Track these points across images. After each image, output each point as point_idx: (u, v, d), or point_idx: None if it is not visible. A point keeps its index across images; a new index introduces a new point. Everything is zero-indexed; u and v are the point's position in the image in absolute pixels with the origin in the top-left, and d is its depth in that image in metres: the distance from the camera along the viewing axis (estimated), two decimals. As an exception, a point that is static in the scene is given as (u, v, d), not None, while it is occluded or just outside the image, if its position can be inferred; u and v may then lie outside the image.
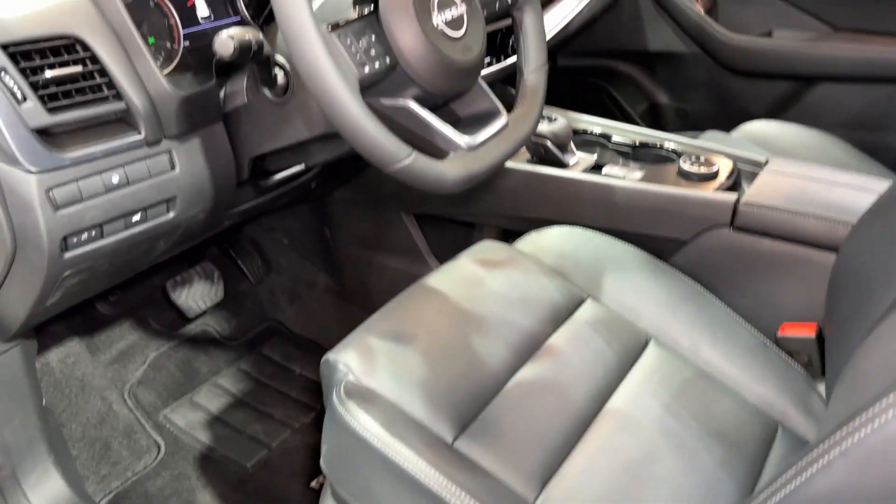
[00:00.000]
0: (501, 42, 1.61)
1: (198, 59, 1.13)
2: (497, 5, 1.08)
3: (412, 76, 0.93)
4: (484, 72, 1.40)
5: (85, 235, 0.95)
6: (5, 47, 0.85)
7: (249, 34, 0.92)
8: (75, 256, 0.96)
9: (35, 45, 0.87)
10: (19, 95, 0.85)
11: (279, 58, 1.00)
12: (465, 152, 0.96)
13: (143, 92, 0.95)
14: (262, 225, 1.84)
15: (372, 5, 0.92)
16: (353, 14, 0.92)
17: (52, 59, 0.89)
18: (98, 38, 0.91)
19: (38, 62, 0.88)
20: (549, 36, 1.87)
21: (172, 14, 1.12)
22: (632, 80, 2.30)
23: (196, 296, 1.67)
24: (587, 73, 2.34)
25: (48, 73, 0.88)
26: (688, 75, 2.21)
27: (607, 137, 1.53)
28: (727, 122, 2.13)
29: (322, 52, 0.80)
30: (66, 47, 0.90)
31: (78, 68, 0.91)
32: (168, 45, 1.12)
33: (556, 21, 1.90)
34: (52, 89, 0.89)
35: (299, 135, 1.03)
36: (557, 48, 2.18)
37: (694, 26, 2.10)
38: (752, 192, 1.25)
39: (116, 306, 1.69)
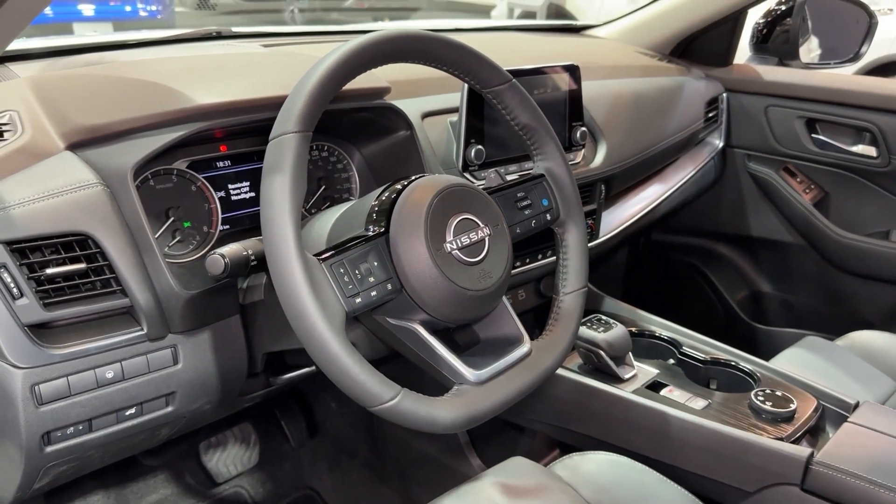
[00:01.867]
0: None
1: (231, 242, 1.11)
2: (534, 222, 1.00)
3: (418, 303, 0.85)
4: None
5: (70, 430, 0.91)
6: (9, 244, 0.84)
7: (249, 248, 0.88)
8: (58, 450, 0.92)
9: (43, 241, 0.87)
10: (15, 292, 0.84)
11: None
12: (471, 388, 0.86)
13: (150, 289, 0.92)
14: (314, 380, 1.78)
15: (383, 225, 0.86)
16: (367, 232, 0.86)
17: (58, 256, 0.88)
18: (110, 234, 0.90)
19: (42, 258, 0.87)
20: (637, 216, 1.78)
21: (214, 199, 1.12)
22: (730, 263, 2.14)
23: (228, 460, 1.61)
24: (681, 250, 2.20)
25: (51, 270, 0.87)
26: (794, 266, 2.03)
27: (676, 345, 1.38)
28: (835, 323, 1.91)
29: (303, 289, 0.74)
30: (75, 242, 0.89)
31: (83, 265, 0.89)
32: (205, 228, 1.11)
33: (648, 199, 1.80)
34: (55, 285, 0.88)
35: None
36: (651, 226, 2.07)
37: (801, 218, 1.94)
38: (831, 449, 1.07)
39: (155, 457, 1.65)
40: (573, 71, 1.42)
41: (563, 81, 1.41)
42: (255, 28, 1.70)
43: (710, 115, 1.94)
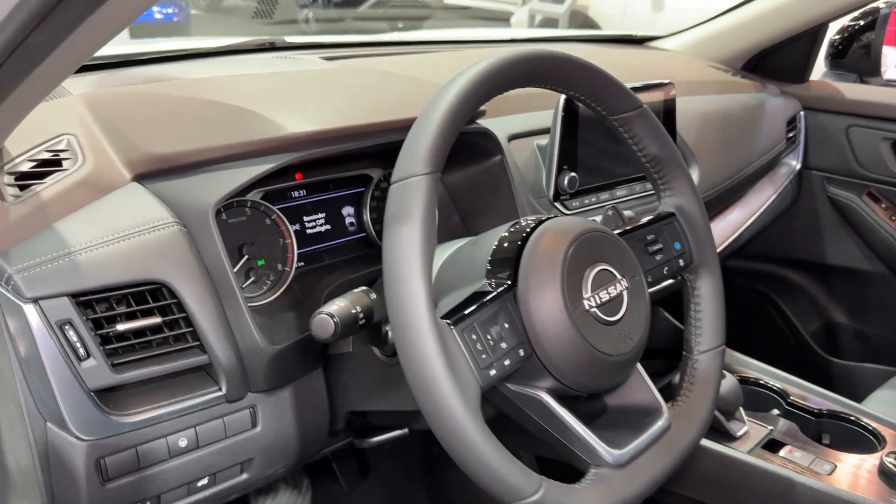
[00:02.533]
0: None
1: (309, 283, 0.98)
2: (666, 270, 0.87)
3: (550, 370, 0.73)
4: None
5: (137, 508, 0.79)
6: (75, 296, 0.72)
7: (357, 303, 0.75)
8: (122, 528, 0.79)
9: (113, 292, 0.74)
10: (81, 352, 0.72)
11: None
12: (612, 471, 0.73)
13: (232, 344, 0.80)
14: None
15: (509, 278, 0.73)
16: (488, 287, 0.73)
17: (129, 308, 0.76)
18: (189, 282, 0.78)
19: (111, 311, 0.75)
20: (722, 245, 1.65)
21: (289, 234, 0.99)
22: (803, 291, 2.01)
23: (280, 507, 1.48)
24: (750, 277, 2.07)
25: (122, 326, 0.74)
26: (874, 297, 1.90)
27: (783, 395, 1.25)
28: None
29: (437, 362, 0.62)
30: (149, 292, 0.77)
31: (157, 319, 0.77)
32: (279, 266, 0.98)
33: (732, 227, 1.67)
34: (125, 342, 0.75)
35: (406, 404, 0.85)
36: (725, 258, 1.94)
37: (884, 246, 1.81)
38: None
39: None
40: (667, 88, 1.30)
41: (656, 100, 1.28)
42: (312, 38, 1.58)
43: (790, 135, 1.81)
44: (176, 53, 1.27)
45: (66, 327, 0.71)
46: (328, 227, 1.06)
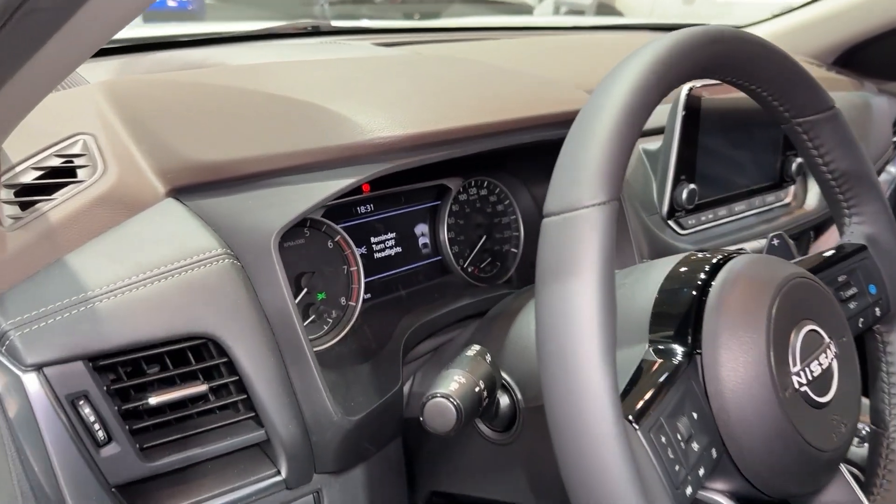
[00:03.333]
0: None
1: (379, 322, 0.79)
2: (861, 321, 0.67)
3: (744, 471, 0.53)
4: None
5: None
6: (93, 359, 0.52)
7: (479, 376, 0.55)
8: None
9: (143, 352, 0.55)
10: (101, 436, 0.53)
11: (506, 376, 0.63)
12: None
13: (296, 416, 0.61)
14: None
15: (687, 344, 0.53)
16: (654, 355, 0.53)
17: (167, 372, 0.56)
18: (244, 335, 0.58)
19: (143, 378, 0.55)
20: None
21: (355, 259, 0.79)
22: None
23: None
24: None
25: (156, 400, 0.55)
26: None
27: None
28: None
29: (627, 485, 0.42)
30: (192, 349, 0.58)
31: (202, 386, 0.57)
32: (342, 300, 0.79)
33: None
34: (158, 418, 0.56)
35: (515, 495, 0.65)
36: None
37: None
38: None
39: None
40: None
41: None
42: (359, 23, 1.38)
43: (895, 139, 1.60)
44: (211, 36, 1.08)
45: (81, 403, 0.52)
46: (398, 249, 0.86)
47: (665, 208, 0.95)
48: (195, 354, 0.58)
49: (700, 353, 0.53)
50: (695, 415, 0.50)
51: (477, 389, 0.54)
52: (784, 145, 1.10)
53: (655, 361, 0.53)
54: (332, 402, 0.61)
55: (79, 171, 0.63)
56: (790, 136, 0.67)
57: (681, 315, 0.55)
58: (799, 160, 1.12)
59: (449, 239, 0.90)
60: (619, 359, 0.53)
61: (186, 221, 0.62)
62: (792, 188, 1.15)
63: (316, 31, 1.24)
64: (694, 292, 0.56)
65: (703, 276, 0.57)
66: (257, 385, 0.59)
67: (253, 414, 0.60)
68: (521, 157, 0.92)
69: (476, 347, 0.58)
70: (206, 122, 0.67)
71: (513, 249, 0.97)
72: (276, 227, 0.60)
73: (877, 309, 0.68)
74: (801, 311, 0.56)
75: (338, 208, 0.80)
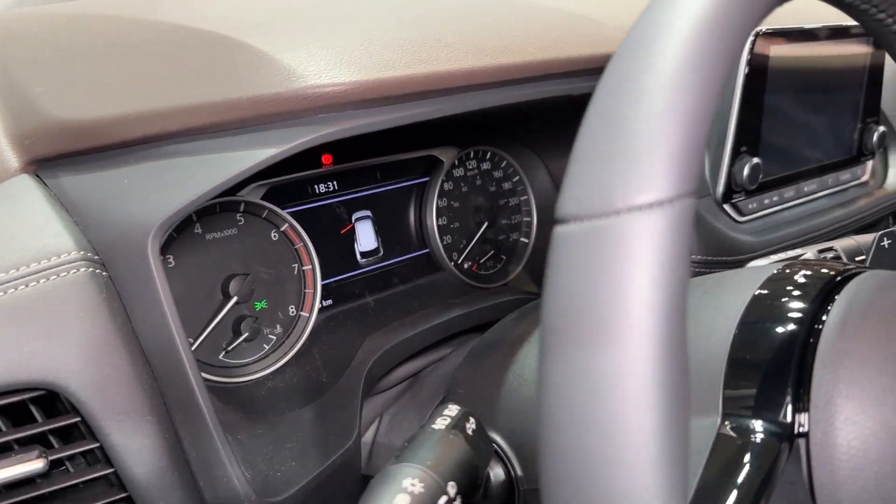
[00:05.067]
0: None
1: (340, 342, 0.59)
2: None
3: None
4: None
5: None
6: None
7: (447, 475, 0.34)
8: None
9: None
10: None
11: (501, 441, 0.43)
12: None
13: (191, 498, 0.41)
14: None
15: (784, 415, 0.33)
16: (731, 430, 0.33)
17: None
18: (101, 383, 0.38)
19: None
20: None
21: (309, 255, 0.60)
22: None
23: None
24: None
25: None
26: None
27: None
28: None
29: None
30: (34, 402, 0.38)
31: (37, 464, 0.38)
32: (291, 310, 0.59)
33: None
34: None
35: None
36: None
37: None
38: None
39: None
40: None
41: (857, 53, 0.85)
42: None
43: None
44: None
45: None
46: (371, 240, 0.66)
47: (721, 189, 0.74)
48: (42, 406, 0.39)
49: (807, 434, 0.33)
50: None
51: (443, 502, 0.33)
52: (864, 111, 0.88)
53: (733, 444, 0.33)
54: (242, 479, 0.41)
55: None
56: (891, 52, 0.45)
57: (776, 369, 0.34)
58: (881, 129, 0.89)
59: (439, 226, 0.70)
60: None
61: (36, 210, 0.42)
62: (870, 164, 0.93)
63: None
64: (796, 329, 0.35)
65: (810, 303, 0.36)
66: (126, 457, 0.39)
67: (124, 495, 0.41)
68: (534, 119, 0.71)
69: (454, 409, 0.38)
70: (79, 69, 0.47)
71: (522, 240, 0.77)
72: (155, 220, 0.40)
73: None
74: None
75: (286, 188, 0.60)
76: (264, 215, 0.58)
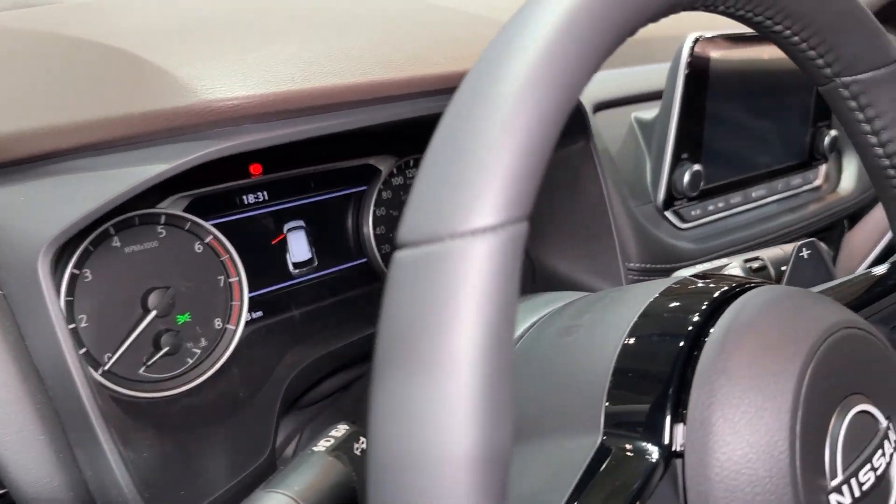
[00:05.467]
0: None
1: (266, 356, 0.58)
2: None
3: None
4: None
5: None
6: None
7: (316, 501, 0.34)
8: None
9: None
10: None
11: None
12: None
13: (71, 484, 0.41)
14: None
15: (661, 431, 0.33)
16: (611, 444, 0.33)
17: None
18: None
19: None
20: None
21: (235, 267, 0.59)
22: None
23: None
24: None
25: None
26: None
27: None
28: None
29: None
30: None
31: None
32: (217, 323, 0.58)
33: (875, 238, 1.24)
34: None
35: None
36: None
37: None
38: None
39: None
40: (826, 38, 0.86)
41: (808, 55, 0.85)
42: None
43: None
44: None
45: None
46: (305, 250, 0.66)
47: (661, 196, 0.73)
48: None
49: (683, 453, 0.32)
50: None
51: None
52: (815, 115, 0.88)
53: (612, 462, 0.32)
54: (138, 499, 0.41)
55: None
56: (830, 103, 0.45)
57: (657, 385, 0.34)
58: (833, 133, 0.89)
59: (376, 235, 0.69)
60: (555, 458, 0.33)
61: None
62: (823, 168, 0.92)
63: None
64: (681, 344, 0.35)
65: (697, 317, 0.36)
66: (17, 476, 0.39)
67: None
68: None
69: (341, 430, 0.37)
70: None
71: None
72: (46, 238, 0.39)
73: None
74: (847, 382, 0.35)
75: (211, 199, 0.59)
76: (187, 227, 0.57)
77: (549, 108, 0.26)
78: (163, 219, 0.56)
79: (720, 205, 0.79)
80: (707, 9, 0.36)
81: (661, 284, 0.40)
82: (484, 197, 0.25)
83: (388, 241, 0.70)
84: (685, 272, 0.58)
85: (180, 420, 0.50)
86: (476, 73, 0.27)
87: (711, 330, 0.35)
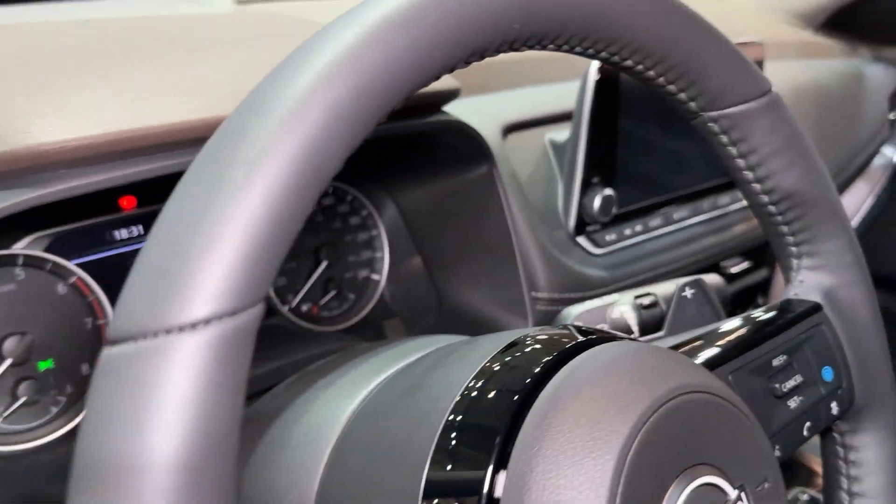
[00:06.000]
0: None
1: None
2: (808, 426, 0.42)
3: None
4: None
5: None
6: None
7: None
8: None
9: None
10: None
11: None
12: None
13: None
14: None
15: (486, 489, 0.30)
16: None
17: None
18: None
19: None
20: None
21: (102, 308, 0.56)
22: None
23: None
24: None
25: None
26: None
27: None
28: None
29: None
30: None
31: None
32: (84, 368, 0.55)
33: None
34: None
35: None
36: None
37: None
38: None
39: None
40: (754, 51, 0.84)
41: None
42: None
43: (892, 116, 1.35)
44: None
45: None
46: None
47: (572, 222, 0.70)
48: None
49: None
50: None
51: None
52: (743, 131, 0.85)
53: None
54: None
55: None
56: (705, 137, 0.42)
57: (480, 447, 0.31)
58: (763, 150, 0.87)
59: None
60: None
61: None
62: (755, 185, 0.90)
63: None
64: (514, 400, 0.32)
65: (536, 372, 0.33)
66: None
67: None
68: (377, 152, 0.67)
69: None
70: None
71: (374, 276, 0.73)
72: None
73: (834, 404, 0.44)
74: (688, 452, 0.32)
75: (76, 236, 0.56)
76: (48, 268, 0.54)
77: (282, 185, 0.23)
78: (20, 260, 0.53)
79: (638, 228, 0.76)
80: (532, 47, 0.33)
81: (507, 336, 0.37)
82: (197, 286, 0.22)
83: (284, 273, 0.67)
84: (573, 309, 0.55)
85: (49, 472, 0.47)
86: (209, 144, 0.25)
87: (545, 387, 0.32)
